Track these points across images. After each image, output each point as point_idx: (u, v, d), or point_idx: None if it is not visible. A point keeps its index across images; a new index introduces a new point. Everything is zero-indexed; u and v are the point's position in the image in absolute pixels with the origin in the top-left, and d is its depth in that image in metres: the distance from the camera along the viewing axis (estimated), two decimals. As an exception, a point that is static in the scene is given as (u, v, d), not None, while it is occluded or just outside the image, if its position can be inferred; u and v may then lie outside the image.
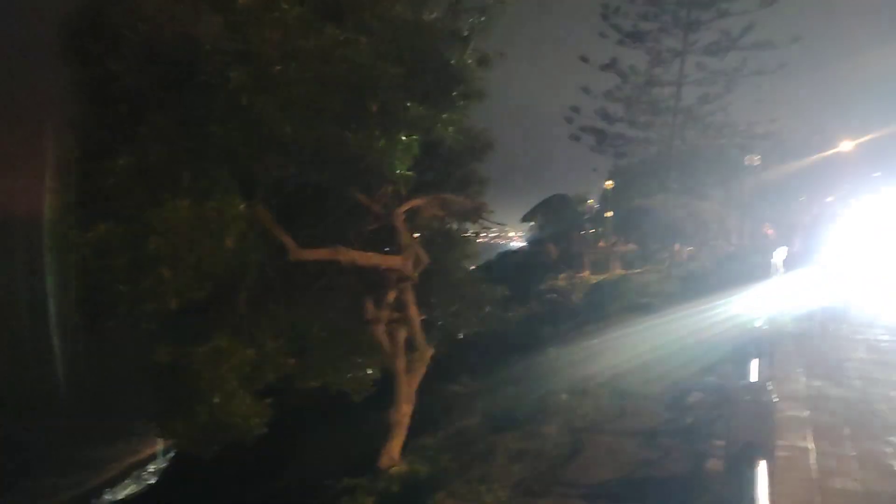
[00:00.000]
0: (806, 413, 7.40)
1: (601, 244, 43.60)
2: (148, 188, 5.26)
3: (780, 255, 14.77)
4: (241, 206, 5.02)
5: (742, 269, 20.10)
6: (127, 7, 5.61)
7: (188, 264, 4.87)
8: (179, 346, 5.65)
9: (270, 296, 6.86)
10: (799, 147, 43.54)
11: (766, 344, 9.62)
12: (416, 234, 8.11)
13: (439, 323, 9.18)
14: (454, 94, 6.29)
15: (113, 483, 20.17)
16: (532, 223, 56.82)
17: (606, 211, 40.98)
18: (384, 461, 7.52)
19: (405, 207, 7.40)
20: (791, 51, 42.62)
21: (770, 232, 39.82)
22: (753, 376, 4.36)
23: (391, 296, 7.56)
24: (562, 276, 36.31)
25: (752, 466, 2.47)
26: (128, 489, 21.33)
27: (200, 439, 5.79)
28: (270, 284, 6.90)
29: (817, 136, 44.63)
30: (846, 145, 43.97)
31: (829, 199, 47.39)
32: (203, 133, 5.31)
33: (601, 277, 32.35)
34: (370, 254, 7.11)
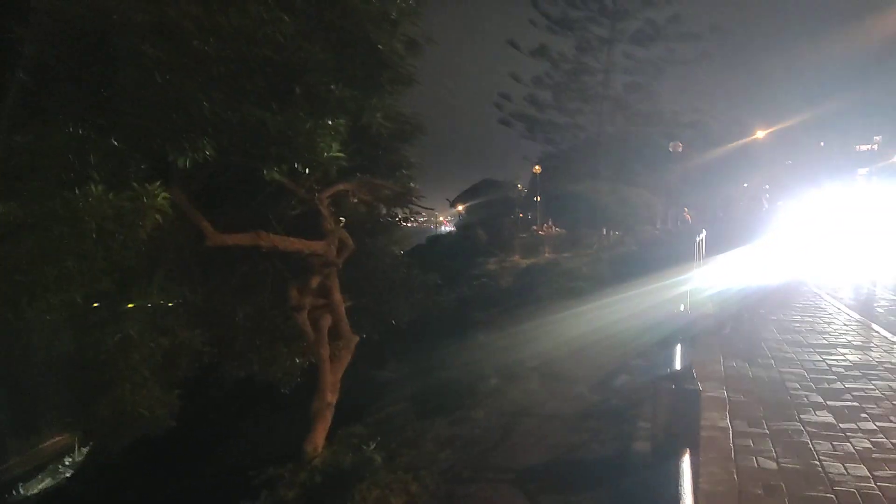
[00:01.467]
0: (724, 393, 7.62)
1: (532, 228, 44.11)
2: (54, 168, 4.91)
3: (702, 239, 15.18)
4: (161, 195, 4.74)
5: (667, 253, 20.61)
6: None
7: (97, 255, 4.55)
8: (86, 334, 5.33)
9: (187, 282, 6.57)
10: (719, 135, 45.10)
11: (689, 326, 9.89)
12: (343, 219, 7.93)
13: (367, 309, 9.03)
14: (382, 78, 6.13)
15: (25, 477, 19.31)
16: (462, 207, 57.08)
17: (536, 196, 41.44)
18: (308, 451, 7.36)
19: (330, 192, 7.21)
20: (713, 42, 43.96)
21: (688, 217, 41.17)
22: (677, 361, 4.43)
23: (315, 282, 7.38)
24: (492, 260, 36.55)
25: (677, 454, 2.48)
26: (42, 483, 20.46)
27: (107, 433, 5.50)
28: (188, 270, 6.62)
29: (736, 126, 46.32)
30: (760, 134, 45.79)
31: (745, 185, 49.26)
32: (114, 110, 5.00)
33: (531, 261, 32.71)
34: (292, 239, 6.90)
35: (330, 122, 5.58)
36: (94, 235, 4.47)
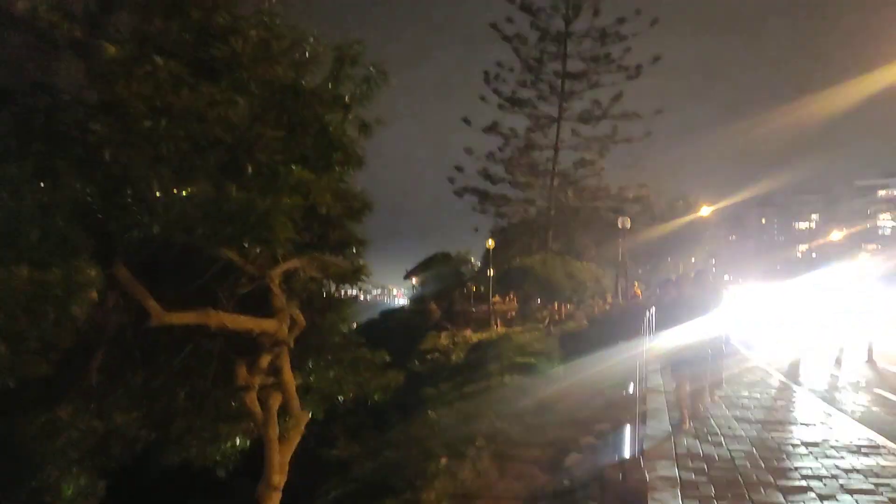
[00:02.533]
0: (675, 472, 7.60)
1: (482, 303, 44.22)
2: (-11, 247, 4.75)
3: (651, 314, 15.42)
4: (93, 272, 4.60)
5: (617, 328, 20.87)
6: (-24, 51, 5.20)
7: (29, 337, 4.36)
8: (13, 417, 5.05)
9: (128, 363, 6.34)
10: (665, 211, 46.56)
11: (638, 403, 9.92)
12: (294, 297, 7.82)
13: (316, 388, 8.84)
14: (333, 159, 6.17)
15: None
16: (416, 280, 57.09)
17: (488, 269, 41.74)
18: (253, 539, 7.03)
19: (281, 269, 7.13)
20: (656, 121, 45.96)
21: (638, 292, 41.89)
22: (626, 446, 4.40)
23: (265, 361, 7.20)
24: (443, 334, 36.38)
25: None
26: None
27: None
28: (129, 350, 6.40)
29: (681, 201, 47.88)
30: (705, 210, 47.41)
31: (693, 259, 50.58)
32: (57, 187, 4.91)
33: (482, 336, 32.68)
34: (242, 317, 6.75)
35: (287, 201, 5.57)
36: (25, 317, 4.28)
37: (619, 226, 35.14)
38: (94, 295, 4.62)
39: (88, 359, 5.93)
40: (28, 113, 5.31)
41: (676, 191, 51.48)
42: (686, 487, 6.98)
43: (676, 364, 10.28)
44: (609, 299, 40.64)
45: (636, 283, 45.94)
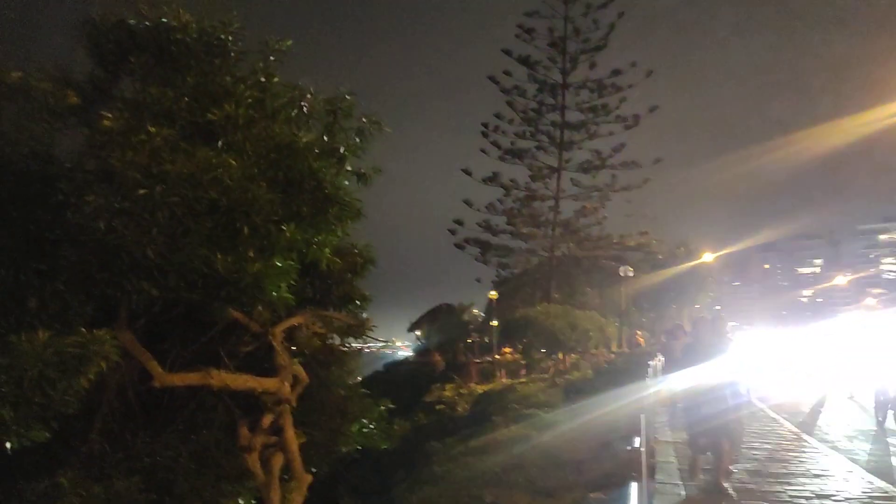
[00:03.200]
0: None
1: (487, 354, 43.95)
2: (-7, 313, 4.77)
3: (656, 363, 15.31)
4: (108, 343, 4.60)
5: (622, 377, 20.68)
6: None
7: (33, 403, 4.33)
8: (13, 483, 4.98)
9: (130, 425, 6.29)
10: (666, 258, 46.52)
11: (646, 457, 9.76)
12: (298, 352, 7.78)
13: (320, 443, 8.72)
14: (329, 214, 6.20)
15: None
16: (419, 333, 56.84)
17: (492, 320, 41.60)
18: None
19: (283, 326, 7.12)
20: (655, 169, 46.29)
21: (641, 340, 41.57)
22: (633, 499, 4.32)
23: (267, 420, 7.13)
24: (448, 385, 36.08)
25: None
26: None
27: None
28: (131, 412, 6.35)
29: (682, 248, 47.89)
30: (708, 256, 47.35)
31: (697, 305, 50.38)
32: (56, 254, 4.94)
33: (487, 387, 32.38)
34: (245, 376, 6.72)
35: (279, 263, 5.59)
36: (34, 383, 4.26)
37: (622, 274, 35.13)
38: (104, 365, 4.61)
39: (90, 422, 5.88)
40: (26, 182, 5.37)
41: (678, 237, 51.57)
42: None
43: (694, 436, 9.43)
44: (614, 348, 40.35)
45: (638, 333, 45.66)
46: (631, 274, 35.25)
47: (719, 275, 58.78)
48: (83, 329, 4.74)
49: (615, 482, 10.15)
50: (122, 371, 6.04)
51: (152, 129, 4.96)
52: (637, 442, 6.53)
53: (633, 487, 4.71)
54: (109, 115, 5.05)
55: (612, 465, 11.62)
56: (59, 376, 4.44)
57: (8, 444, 4.26)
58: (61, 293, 4.85)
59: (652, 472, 9.32)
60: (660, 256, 46.27)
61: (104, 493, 5.43)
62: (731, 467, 9.77)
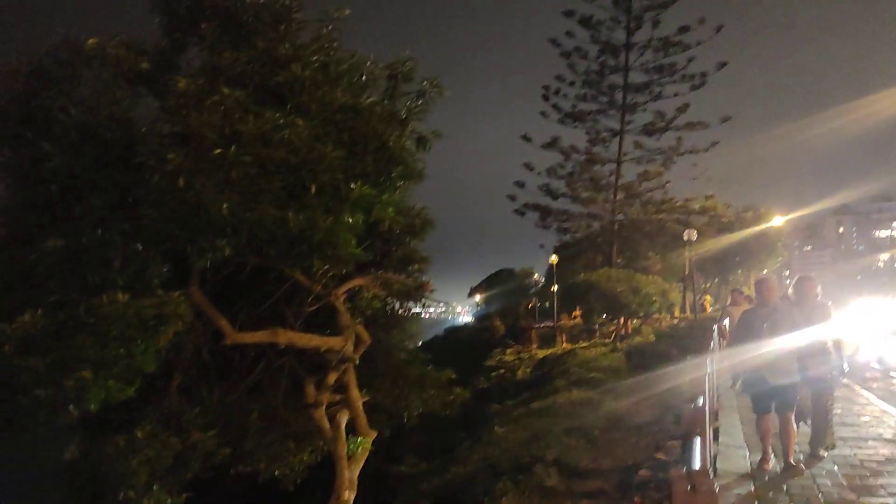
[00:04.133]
0: (751, 488, 7.39)
1: (547, 319, 43.89)
2: (77, 274, 5.05)
3: (722, 328, 15.00)
4: (183, 305, 4.84)
5: (685, 342, 20.42)
6: (61, 91, 5.55)
7: (116, 364, 4.59)
8: (94, 439, 5.31)
9: (205, 382, 6.61)
10: (733, 222, 45.27)
11: (709, 418, 9.67)
12: (359, 314, 7.99)
13: (382, 405, 8.97)
14: (393, 175, 6.31)
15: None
16: (479, 297, 57.12)
17: (552, 285, 41.43)
18: (324, 554, 7.19)
19: (345, 287, 7.31)
20: (723, 129, 44.90)
21: (707, 306, 40.77)
22: (696, 458, 4.31)
23: (332, 378, 7.38)
24: (509, 350, 36.28)
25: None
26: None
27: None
28: (205, 370, 6.66)
29: (750, 212, 46.51)
30: (777, 220, 45.85)
31: (765, 271, 49.08)
32: (137, 215, 5.18)
33: (548, 352, 32.41)
34: (309, 335, 6.95)
35: (348, 217, 5.72)
36: (116, 343, 4.53)
37: (686, 238, 34.37)
38: (181, 325, 4.85)
39: (169, 380, 6.22)
40: (107, 146, 5.62)
41: (746, 200, 50.07)
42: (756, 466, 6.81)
43: (759, 395, 8.20)
44: (677, 313, 39.76)
45: (707, 297, 44.77)
46: (695, 238, 34.44)
47: (789, 239, 56.95)
48: (160, 291, 4.98)
49: (678, 442, 10.11)
50: (196, 332, 6.34)
51: (226, 91, 5.12)
52: (701, 402, 6.46)
53: (697, 448, 4.69)
54: (184, 80, 5.24)
55: (674, 427, 11.57)
56: (140, 336, 4.70)
57: (92, 406, 4.53)
58: (141, 253, 5.10)
59: (716, 433, 9.24)
60: (726, 220, 45.03)
61: (180, 444, 5.75)
62: (821, 451, 8.60)
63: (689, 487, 2.67)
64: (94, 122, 5.49)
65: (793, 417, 8.06)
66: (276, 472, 7.60)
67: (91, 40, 5.55)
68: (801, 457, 8.49)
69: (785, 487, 7.39)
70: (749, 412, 9.00)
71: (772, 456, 8.21)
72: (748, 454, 8.80)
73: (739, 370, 8.46)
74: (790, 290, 9.35)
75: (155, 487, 5.34)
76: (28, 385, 4.34)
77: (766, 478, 7.76)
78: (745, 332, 8.14)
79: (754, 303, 8.92)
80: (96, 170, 5.44)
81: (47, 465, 5.40)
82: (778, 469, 8.05)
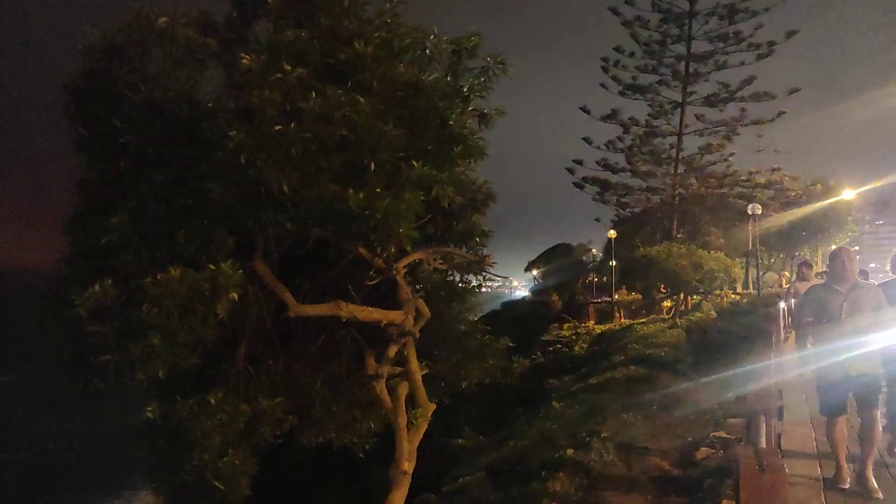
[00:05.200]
0: (817, 470, 7.24)
1: (605, 294, 43.47)
2: (145, 246, 5.25)
3: (789, 305, 14.58)
4: (235, 275, 4.99)
5: (749, 318, 19.98)
6: (131, 68, 5.70)
7: (180, 332, 4.82)
8: (169, 401, 5.57)
9: (270, 351, 6.79)
10: (799, 196, 43.80)
11: (774, 397, 9.49)
12: (419, 287, 8.06)
13: (441, 376, 9.06)
14: (454, 152, 6.30)
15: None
16: (535, 273, 56.91)
17: (610, 260, 40.96)
18: (384, 523, 7.33)
19: (406, 261, 7.37)
20: (790, 100, 43.31)
21: (784, 283, 39.41)
22: (762, 436, 4.24)
23: (392, 351, 7.47)
24: (565, 325, 36.12)
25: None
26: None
27: (187, 499, 5.64)
28: (270, 340, 6.84)
29: (818, 185, 44.92)
30: (848, 193, 44.12)
31: (833, 246, 47.44)
32: (201, 190, 5.32)
33: (605, 327, 32.15)
34: (371, 308, 7.05)
35: (407, 196, 5.74)
36: (177, 314, 4.74)
37: (750, 212, 33.41)
38: (235, 296, 5.00)
39: (235, 349, 6.41)
40: (174, 123, 5.77)
41: (814, 173, 48.26)
42: (829, 484, 6.64)
43: (831, 389, 6.76)
44: (739, 289, 38.87)
45: (785, 273, 43.44)
46: (759, 212, 33.44)
47: (860, 213, 54.78)
48: (211, 265, 5.12)
49: (738, 420, 9.95)
50: (260, 303, 6.50)
51: (287, 68, 5.18)
52: (765, 381, 6.31)
53: (762, 422, 4.62)
54: (248, 56, 5.32)
55: (736, 405, 11.38)
56: (198, 307, 4.88)
57: (160, 373, 4.78)
58: (205, 227, 5.25)
59: (780, 412, 9.06)
60: (792, 193, 43.55)
61: (250, 411, 5.95)
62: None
63: (756, 466, 2.63)
64: (162, 98, 5.64)
65: (878, 416, 6.72)
66: (345, 441, 7.80)
67: (161, 18, 5.68)
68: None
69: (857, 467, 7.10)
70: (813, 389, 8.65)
71: (849, 470, 6.70)
72: (813, 434, 8.61)
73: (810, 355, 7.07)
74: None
75: (230, 451, 5.57)
76: (97, 350, 4.61)
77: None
78: (818, 312, 6.76)
79: (825, 278, 7.76)
80: (162, 145, 5.59)
81: (130, 427, 5.71)
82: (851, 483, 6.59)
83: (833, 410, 6.70)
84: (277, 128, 5.07)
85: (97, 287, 4.71)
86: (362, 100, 5.54)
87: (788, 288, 16.22)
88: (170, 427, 5.45)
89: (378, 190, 5.59)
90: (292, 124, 5.14)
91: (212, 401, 5.65)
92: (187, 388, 5.87)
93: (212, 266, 4.95)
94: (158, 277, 4.73)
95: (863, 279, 7.14)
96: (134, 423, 5.77)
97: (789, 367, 9.08)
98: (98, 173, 5.89)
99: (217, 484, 5.43)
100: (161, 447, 5.64)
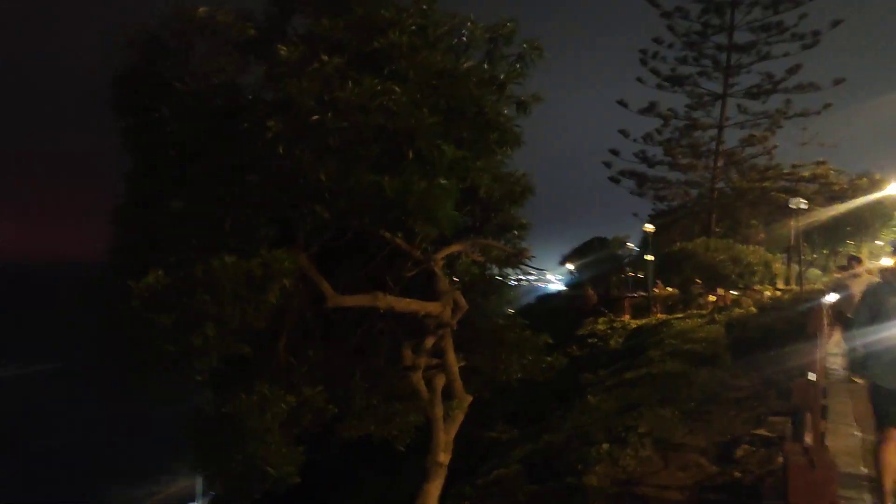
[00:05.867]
0: (861, 469, 7.07)
1: (641, 288, 42.97)
2: (194, 235, 5.33)
3: (832, 303, 14.19)
4: (286, 262, 5.04)
5: (790, 315, 19.59)
6: (177, 60, 5.79)
7: (233, 320, 4.88)
8: (221, 394, 5.67)
9: (310, 342, 6.86)
10: (845, 190, 42.73)
11: (819, 394, 9.29)
12: (456, 280, 8.05)
13: (478, 369, 9.05)
14: (490, 140, 6.27)
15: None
16: (571, 266, 56.51)
17: (647, 254, 40.46)
18: (421, 511, 7.37)
19: (444, 252, 7.37)
20: (835, 92, 42.27)
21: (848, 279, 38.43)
22: (807, 434, 4.12)
23: (429, 342, 7.49)
24: (601, 319, 35.78)
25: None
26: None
27: (237, 487, 5.74)
28: (310, 331, 6.91)
29: (865, 179, 43.76)
30: (894, 188, 42.89)
31: (880, 242, 46.24)
32: (243, 180, 5.38)
33: (642, 322, 31.78)
34: (408, 300, 7.07)
35: (443, 182, 5.74)
36: (231, 301, 4.80)
37: (793, 206, 32.65)
38: (288, 283, 5.06)
39: (276, 340, 6.49)
40: (215, 114, 5.84)
41: (860, 167, 47.04)
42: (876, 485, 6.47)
43: (885, 401, 5.83)
44: (780, 285, 38.11)
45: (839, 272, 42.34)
46: (804, 206, 32.68)
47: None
48: (264, 251, 5.19)
49: (780, 419, 9.76)
50: (300, 294, 6.56)
51: (324, 58, 5.20)
52: (812, 377, 6.12)
53: (807, 420, 4.50)
54: (286, 47, 5.35)
55: (776, 402, 11.17)
56: (250, 293, 4.94)
57: (214, 361, 4.88)
58: (249, 217, 5.31)
59: (824, 412, 8.86)
60: (837, 188, 42.49)
61: (294, 400, 6.02)
62: None
63: (806, 462, 2.56)
64: (205, 89, 5.72)
65: None
66: (386, 434, 7.84)
67: (201, 9, 5.74)
68: None
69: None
70: (859, 388, 8.30)
71: None
72: (858, 433, 8.41)
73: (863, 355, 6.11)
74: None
75: (278, 439, 5.67)
76: (156, 340, 4.68)
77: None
78: (874, 312, 5.99)
79: (887, 273, 6.79)
80: (206, 136, 5.67)
81: (178, 418, 5.83)
82: None
83: (887, 423, 5.81)
84: (315, 118, 5.09)
85: (151, 277, 4.79)
86: (398, 89, 5.54)
87: (836, 284, 15.41)
88: (223, 417, 5.54)
89: (415, 177, 5.59)
90: (329, 114, 5.17)
91: (266, 393, 5.73)
92: (233, 378, 5.96)
93: (263, 251, 5.03)
94: (213, 265, 4.79)
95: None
96: (183, 414, 5.89)
97: (835, 367, 8.65)
98: (144, 165, 6.00)
99: (270, 470, 5.52)
100: (213, 436, 5.74)
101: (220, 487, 6.13)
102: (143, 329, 4.69)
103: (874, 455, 5.82)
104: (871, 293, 6.30)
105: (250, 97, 5.83)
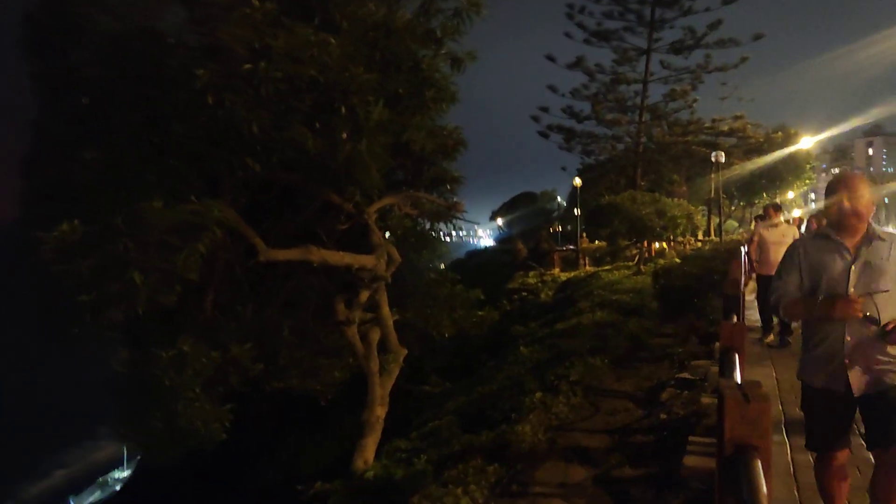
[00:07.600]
0: (779, 406, 7.44)
1: (570, 242, 43.80)
2: (115, 186, 5.09)
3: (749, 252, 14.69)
4: (216, 211, 4.87)
5: (712, 264, 20.28)
6: (90, -1, 5.44)
7: (159, 268, 4.70)
8: (141, 351, 5.49)
9: (238, 297, 6.72)
10: (761, 144, 44.32)
11: (743, 336, 9.66)
12: (389, 234, 8.00)
13: (410, 324, 9.08)
14: (426, 96, 6.20)
15: (76, 489, 19.89)
16: (501, 221, 57.05)
17: (575, 208, 41.17)
18: (358, 464, 7.41)
19: (377, 206, 7.30)
20: (753, 48, 43.41)
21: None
22: (737, 374, 4.27)
23: (364, 296, 7.46)
24: (531, 273, 36.35)
25: (746, 465, 2.41)
26: (93, 495, 20.92)
27: (159, 446, 5.64)
28: (238, 286, 6.76)
29: (779, 133, 45.45)
30: (806, 142, 44.78)
31: (791, 195, 48.29)
32: (168, 130, 5.15)
33: (571, 275, 32.44)
34: (342, 253, 6.99)
35: (371, 145, 5.65)
36: (158, 248, 4.63)
37: (713, 160, 33.68)
38: (219, 233, 4.91)
39: (203, 296, 6.32)
40: (135, 59, 5.54)
41: (775, 121, 48.75)
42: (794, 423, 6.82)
43: (823, 408, 3.93)
44: (700, 236, 39.48)
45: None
46: (723, 159, 33.73)
47: (818, 161, 55.72)
48: (194, 198, 5.01)
49: (702, 362, 10.16)
50: (228, 248, 6.39)
51: (255, 2, 4.99)
52: (735, 318, 6.38)
53: (735, 359, 4.68)
54: (212, -11, 5.10)
55: (698, 347, 11.62)
56: (179, 242, 4.78)
57: (140, 309, 4.69)
58: (175, 168, 5.10)
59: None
60: (754, 141, 44.00)
61: (220, 358, 5.90)
62: None
63: (740, 395, 2.66)
64: (122, 31, 5.41)
65: None
66: (307, 389, 7.80)
67: None
68: None
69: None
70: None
71: None
72: (774, 374, 8.84)
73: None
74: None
75: (202, 397, 5.55)
76: (71, 290, 4.50)
77: (794, 397, 5.95)
78: (816, 280, 3.86)
79: (821, 224, 5.19)
80: (126, 82, 5.38)
81: (98, 378, 5.63)
82: None
83: (827, 443, 4.01)
84: (247, 66, 4.90)
85: (65, 226, 4.57)
86: (333, 40, 5.38)
87: (752, 236, 15.23)
88: (142, 378, 5.39)
89: (343, 136, 5.48)
90: (261, 63, 4.98)
91: (185, 349, 5.60)
92: (155, 336, 5.79)
93: (194, 199, 4.85)
94: (136, 209, 4.60)
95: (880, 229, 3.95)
96: (105, 377, 5.70)
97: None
98: (56, 112, 5.66)
99: (198, 426, 5.43)
100: (132, 398, 5.59)
101: (140, 448, 6.00)
102: (56, 282, 4.50)
103: (817, 485, 4.23)
104: (804, 252, 4.01)
105: (171, 41, 5.55)
